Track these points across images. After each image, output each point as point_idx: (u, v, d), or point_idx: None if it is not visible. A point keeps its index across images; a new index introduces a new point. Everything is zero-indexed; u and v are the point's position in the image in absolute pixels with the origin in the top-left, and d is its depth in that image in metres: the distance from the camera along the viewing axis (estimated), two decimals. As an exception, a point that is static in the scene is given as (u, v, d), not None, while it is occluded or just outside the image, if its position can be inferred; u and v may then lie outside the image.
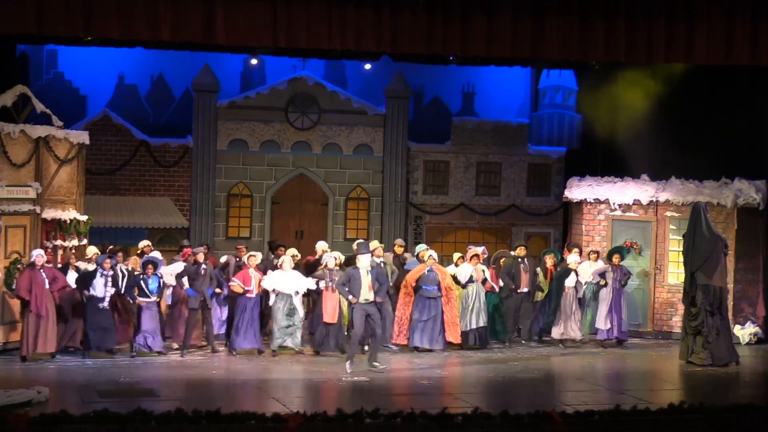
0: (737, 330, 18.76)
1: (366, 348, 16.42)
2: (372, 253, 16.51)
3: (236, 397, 13.45)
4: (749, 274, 19.26)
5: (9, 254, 16.38)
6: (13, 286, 16.30)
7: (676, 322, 19.00)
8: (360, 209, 22.54)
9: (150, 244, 18.11)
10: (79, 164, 17.76)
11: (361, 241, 17.84)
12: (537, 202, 23.18)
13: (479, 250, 18.26)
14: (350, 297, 15.76)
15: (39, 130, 16.84)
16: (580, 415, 12.05)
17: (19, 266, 16.37)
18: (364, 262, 15.83)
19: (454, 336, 17.38)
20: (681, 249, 17.80)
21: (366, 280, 15.67)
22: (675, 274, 19.34)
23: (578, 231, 20.44)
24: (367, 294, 15.67)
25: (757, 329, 19.04)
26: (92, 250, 17.27)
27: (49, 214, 16.93)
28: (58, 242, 17.05)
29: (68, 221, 17.16)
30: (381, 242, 19.22)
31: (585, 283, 18.39)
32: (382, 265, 17.16)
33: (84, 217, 17.57)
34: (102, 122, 21.07)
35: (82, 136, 17.74)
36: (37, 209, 16.78)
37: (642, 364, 17.11)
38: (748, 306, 19.24)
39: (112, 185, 21.16)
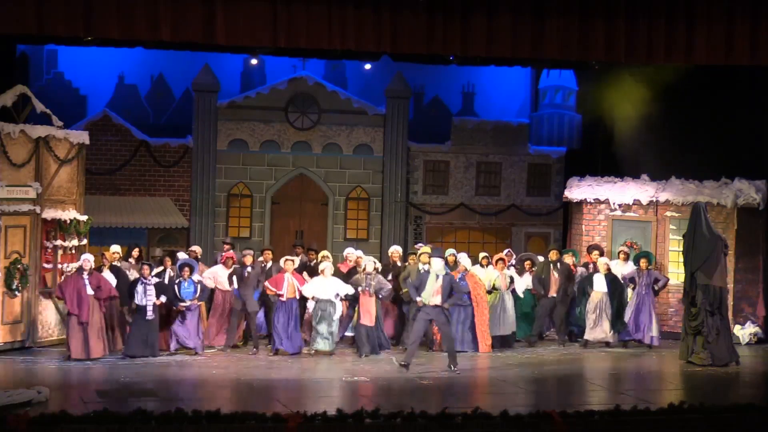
0: (737, 330, 18.75)
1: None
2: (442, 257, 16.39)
3: (236, 397, 13.46)
4: (749, 274, 19.24)
5: (9, 254, 16.39)
6: (14, 286, 16.32)
7: (677, 323, 18.99)
8: (360, 209, 22.51)
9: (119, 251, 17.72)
10: (79, 164, 17.76)
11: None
12: (537, 202, 23.17)
13: (504, 253, 18.26)
14: (417, 298, 15.80)
15: (39, 130, 16.85)
16: (580, 415, 12.06)
17: (19, 266, 16.38)
18: (436, 266, 15.79)
19: (484, 346, 17.39)
20: (681, 249, 17.80)
21: (434, 284, 15.64)
22: (675, 274, 19.33)
23: (578, 231, 20.43)
24: (432, 298, 15.64)
25: (757, 329, 19.02)
26: (114, 249, 17.31)
27: (49, 214, 16.92)
28: (58, 242, 17.05)
29: (68, 221, 17.16)
30: (381, 242, 19.19)
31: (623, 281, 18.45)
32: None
33: (84, 217, 17.57)
34: (102, 122, 21.06)
35: (82, 136, 17.74)
36: (37, 209, 16.78)
37: (642, 364, 17.11)
38: (748, 306, 19.23)
39: (112, 185, 21.14)
